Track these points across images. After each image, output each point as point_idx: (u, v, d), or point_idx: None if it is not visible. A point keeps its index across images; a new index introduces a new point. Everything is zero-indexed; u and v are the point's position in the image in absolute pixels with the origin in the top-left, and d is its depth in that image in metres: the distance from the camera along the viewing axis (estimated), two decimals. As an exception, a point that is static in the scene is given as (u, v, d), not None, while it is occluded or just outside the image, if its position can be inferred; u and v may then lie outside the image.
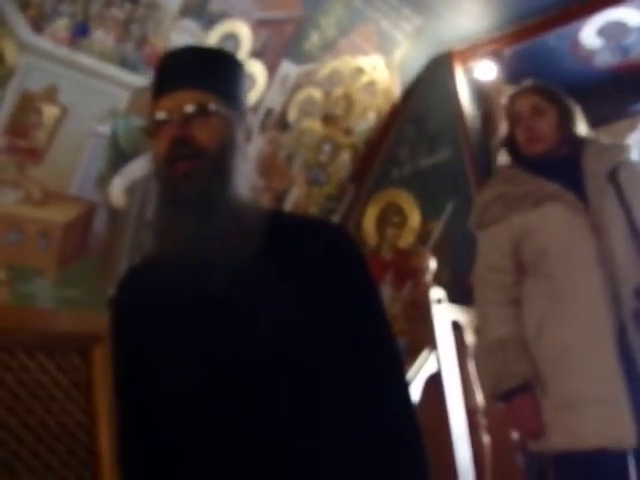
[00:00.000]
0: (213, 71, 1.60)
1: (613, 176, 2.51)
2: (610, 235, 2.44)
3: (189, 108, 1.53)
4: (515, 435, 3.96)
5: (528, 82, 2.73)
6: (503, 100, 2.79)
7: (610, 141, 2.72)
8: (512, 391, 2.44)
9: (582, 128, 2.66)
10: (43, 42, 3.45)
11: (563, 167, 2.57)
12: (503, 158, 2.77)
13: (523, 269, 2.54)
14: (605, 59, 5.54)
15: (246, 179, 1.58)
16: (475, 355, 3.92)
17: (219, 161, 1.53)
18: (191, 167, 1.51)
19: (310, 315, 1.52)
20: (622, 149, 2.66)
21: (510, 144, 2.72)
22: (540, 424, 2.41)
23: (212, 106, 1.55)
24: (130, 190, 4.11)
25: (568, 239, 2.47)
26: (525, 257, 2.53)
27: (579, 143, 2.62)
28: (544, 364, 2.44)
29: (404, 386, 1.64)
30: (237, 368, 1.48)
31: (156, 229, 1.57)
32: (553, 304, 2.45)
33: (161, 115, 1.55)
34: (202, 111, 1.53)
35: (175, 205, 1.51)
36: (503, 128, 2.75)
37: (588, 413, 2.33)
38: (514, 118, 2.67)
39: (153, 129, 1.56)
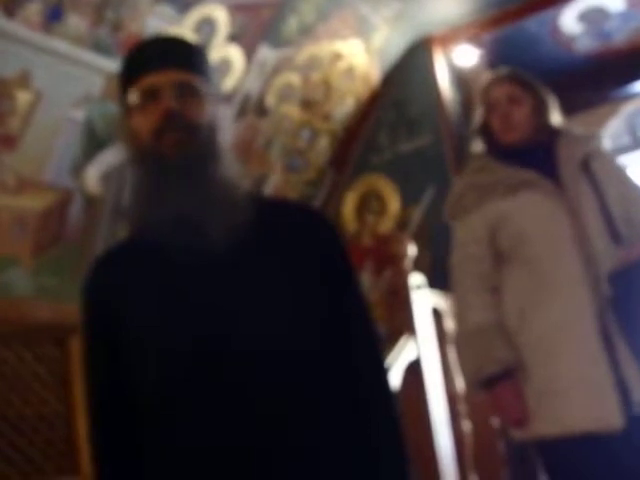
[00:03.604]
0: (192, 55, 1.63)
1: (585, 165, 2.53)
2: (586, 220, 2.45)
3: (178, 85, 1.55)
4: (496, 422, 3.97)
5: (504, 70, 2.74)
6: (479, 86, 2.79)
7: (582, 131, 2.73)
8: (493, 377, 2.43)
9: (556, 118, 2.68)
10: (15, 27, 3.39)
11: (537, 155, 2.58)
12: (478, 146, 2.76)
13: (501, 257, 2.54)
14: (585, 44, 5.56)
15: (231, 160, 1.60)
16: (455, 343, 3.93)
17: (207, 137, 1.56)
18: (182, 138, 1.52)
19: (291, 298, 1.52)
20: (593, 139, 2.69)
21: (485, 132, 2.71)
22: (524, 411, 2.40)
23: (199, 85, 1.58)
24: (106, 177, 4.07)
25: (545, 224, 2.47)
26: (502, 244, 2.53)
27: (553, 133, 2.63)
28: (526, 350, 2.43)
29: (383, 372, 1.64)
30: (225, 354, 1.47)
31: (143, 202, 1.56)
32: (534, 289, 2.45)
33: (147, 90, 1.55)
34: (190, 89, 1.56)
35: (165, 175, 1.51)
36: (478, 116, 2.75)
37: (572, 397, 2.33)
38: (490, 106, 2.67)
39: (136, 105, 1.57)
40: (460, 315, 2.60)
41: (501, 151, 2.63)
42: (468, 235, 2.59)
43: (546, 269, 2.43)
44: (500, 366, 2.41)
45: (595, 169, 2.53)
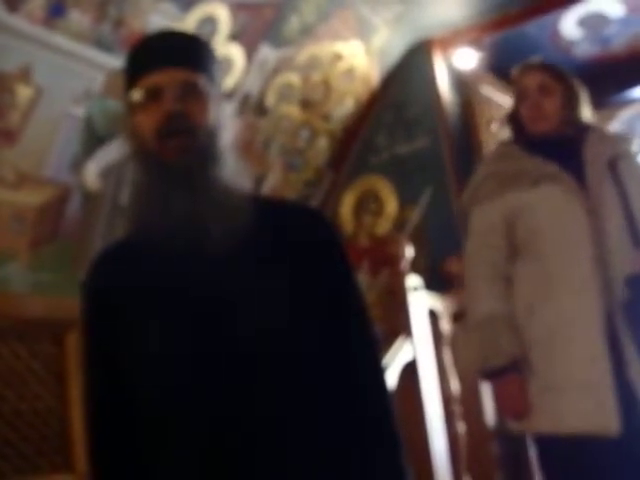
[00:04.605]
0: (198, 53, 1.61)
1: (613, 165, 2.50)
2: (606, 220, 2.44)
3: (182, 85, 1.53)
4: (493, 417, 3.99)
5: (537, 58, 2.71)
6: (484, 91, 2.78)
7: (613, 131, 2.71)
8: (500, 370, 2.43)
9: (586, 112, 2.65)
10: (18, 22, 3.38)
11: (564, 149, 2.55)
12: (505, 133, 2.75)
13: (515, 248, 2.53)
14: (585, 49, 5.58)
15: (232, 160, 1.59)
16: (461, 332, 3.93)
17: (210, 140, 1.54)
18: (185, 143, 1.51)
19: (291, 298, 1.52)
20: (624, 140, 2.67)
21: (514, 120, 2.70)
22: (525, 405, 2.40)
23: (203, 85, 1.56)
24: (105, 173, 4.06)
25: (562, 221, 2.46)
26: (518, 236, 2.52)
27: (582, 127, 2.61)
28: (532, 345, 2.43)
29: (380, 373, 1.63)
30: (225, 355, 1.46)
31: (143, 207, 1.54)
32: (543, 285, 2.44)
33: (151, 89, 1.53)
34: (194, 89, 1.54)
35: (166, 182, 1.50)
36: (510, 103, 2.73)
37: (572, 397, 2.33)
38: (521, 94, 2.65)
39: (139, 103, 1.55)
40: (471, 303, 2.59)
41: (528, 141, 2.61)
42: (485, 223, 2.58)
43: (557, 266, 2.43)
44: (505, 359, 2.42)
45: (622, 171, 2.50)
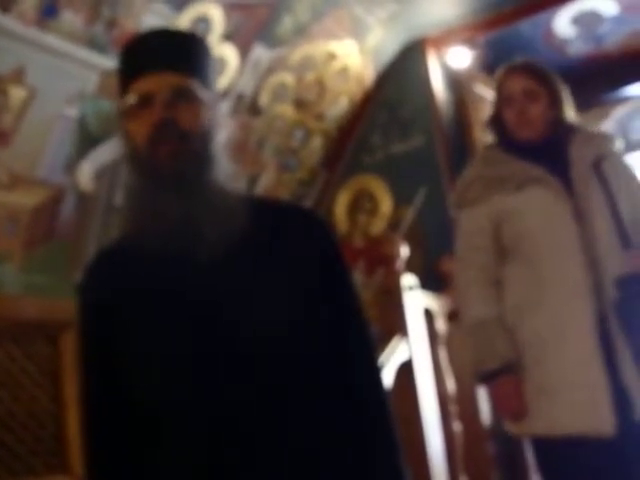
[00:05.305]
0: (191, 55, 1.59)
1: (597, 166, 2.49)
2: (594, 223, 2.43)
3: (173, 90, 1.52)
4: (488, 421, 3.98)
5: (520, 60, 2.67)
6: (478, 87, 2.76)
7: (596, 130, 2.70)
8: (495, 372, 2.43)
9: (570, 114, 2.63)
10: (10, 22, 3.38)
11: (549, 152, 2.54)
12: (488, 137, 2.73)
13: (504, 251, 2.53)
14: (578, 48, 5.59)
15: (226, 163, 1.58)
16: (457, 332, 3.92)
17: (202, 144, 1.53)
18: (176, 148, 1.50)
19: (288, 300, 1.52)
20: (607, 139, 2.65)
21: (496, 123, 2.67)
22: (522, 405, 2.40)
23: (195, 90, 1.54)
24: (99, 174, 4.06)
25: (549, 224, 2.45)
26: (505, 240, 2.52)
27: (566, 129, 2.59)
28: (524, 349, 2.43)
29: (376, 373, 1.64)
30: (224, 357, 1.46)
31: (137, 211, 1.54)
32: (533, 289, 2.44)
33: (142, 96, 1.52)
34: (185, 94, 1.53)
35: (160, 186, 1.50)
36: (491, 106, 2.71)
37: (566, 399, 2.33)
38: (504, 99, 2.61)
39: (131, 110, 1.54)
40: (463, 308, 2.58)
41: (513, 144, 2.59)
42: (473, 226, 2.58)
43: (546, 269, 2.42)
44: (500, 362, 2.42)
45: (607, 171, 2.49)
